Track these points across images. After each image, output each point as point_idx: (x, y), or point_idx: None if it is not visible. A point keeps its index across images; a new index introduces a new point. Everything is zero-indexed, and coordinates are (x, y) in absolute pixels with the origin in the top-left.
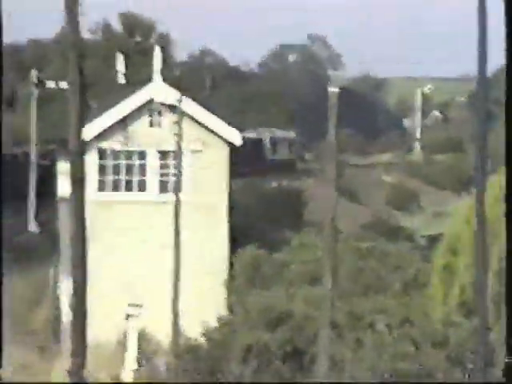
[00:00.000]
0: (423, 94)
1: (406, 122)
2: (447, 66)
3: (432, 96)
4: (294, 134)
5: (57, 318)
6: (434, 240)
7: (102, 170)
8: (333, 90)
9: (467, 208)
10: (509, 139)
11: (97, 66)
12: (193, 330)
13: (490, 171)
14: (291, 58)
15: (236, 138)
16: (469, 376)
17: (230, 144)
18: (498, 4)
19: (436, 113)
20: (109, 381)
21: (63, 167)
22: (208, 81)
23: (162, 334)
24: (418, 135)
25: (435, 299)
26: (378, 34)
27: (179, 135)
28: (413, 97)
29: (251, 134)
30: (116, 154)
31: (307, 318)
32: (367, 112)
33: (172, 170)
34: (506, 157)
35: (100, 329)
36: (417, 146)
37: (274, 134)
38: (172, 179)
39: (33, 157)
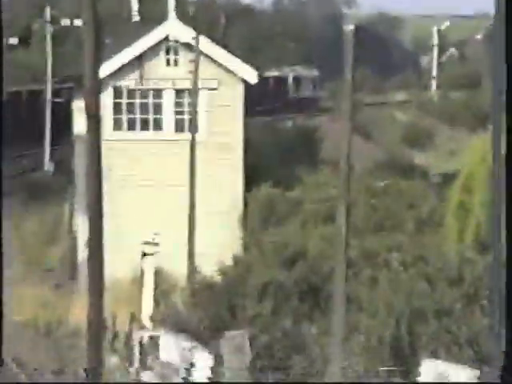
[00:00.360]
0: (439, 32)
1: (423, 60)
2: (464, 2)
3: (449, 33)
4: (317, 72)
5: (73, 255)
6: (449, 178)
7: (117, 108)
8: (348, 27)
9: (483, 145)
10: (509, 138)
11: (111, 4)
12: (208, 269)
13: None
14: None
15: (251, 76)
16: (485, 314)
17: (246, 82)
18: None
19: (453, 50)
20: (128, 317)
21: (79, 105)
22: (222, 19)
23: (178, 272)
24: (434, 73)
25: (450, 237)
26: None
27: (195, 73)
28: (429, 35)
29: (275, 73)
30: (131, 93)
31: (322, 256)
32: (383, 50)
33: (187, 109)
34: (506, 156)
35: (116, 266)
36: (433, 83)
37: (297, 72)
38: (187, 118)
39: (48, 94)
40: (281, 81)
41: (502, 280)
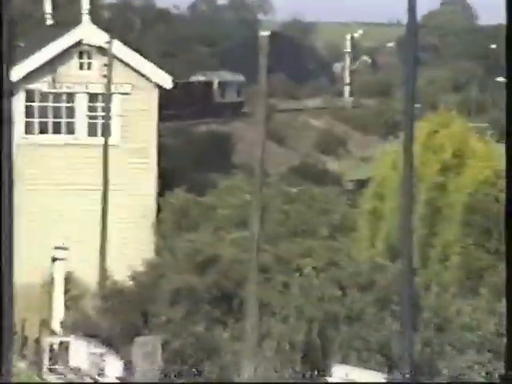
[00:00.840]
0: (352, 39)
1: (336, 67)
2: (377, 11)
3: (361, 41)
4: (243, 77)
5: None
6: (361, 185)
7: (29, 111)
8: (262, 33)
9: (394, 153)
10: (509, 136)
11: (23, 6)
12: (120, 274)
13: (417, 116)
14: (220, 1)
15: (166, 81)
16: (395, 319)
17: (160, 87)
18: None
19: (365, 58)
20: (38, 323)
21: None
22: (137, 23)
23: (90, 277)
24: (347, 80)
25: (362, 243)
26: None
27: (108, 78)
28: (342, 42)
29: (200, 77)
30: (44, 96)
31: (235, 262)
32: (297, 56)
33: (101, 113)
34: (507, 156)
35: (27, 271)
36: (346, 90)
37: (222, 77)
38: (101, 122)
39: None
40: (207, 85)
41: (411, 285)
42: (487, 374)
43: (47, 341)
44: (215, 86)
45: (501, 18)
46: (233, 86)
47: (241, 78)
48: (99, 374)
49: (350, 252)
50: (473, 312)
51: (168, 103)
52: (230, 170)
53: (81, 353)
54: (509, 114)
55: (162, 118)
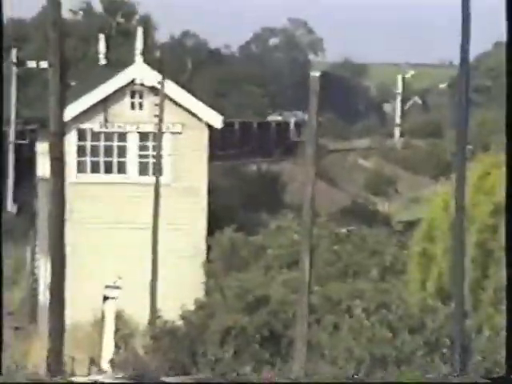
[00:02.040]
0: (404, 80)
1: (386, 108)
2: (429, 51)
3: (413, 82)
4: (302, 115)
5: (33, 297)
6: (411, 226)
7: (81, 151)
8: (314, 74)
9: (445, 194)
10: (509, 139)
11: (77, 47)
12: (170, 313)
13: (468, 157)
14: (272, 41)
15: (216, 120)
16: (445, 362)
17: (211, 127)
18: None
19: (416, 99)
20: (87, 362)
21: (43, 147)
22: (189, 63)
23: (140, 316)
24: (397, 121)
25: (412, 285)
26: (360, 18)
27: (160, 117)
28: (393, 83)
29: (276, 117)
30: (96, 135)
31: (284, 302)
32: (347, 97)
33: (152, 152)
34: (507, 156)
35: (77, 310)
36: (396, 131)
37: (298, 116)
38: (152, 161)
39: (11, 136)
40: (284, 125)
41: (462, 329)
42: None
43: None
44: (292, 125)
45: None
46: (291, 125)
47: (301, 116)
48: None
49: (400, 294)
50: None
51: (222, 143)
52: (280, 209)
53: None
54: (509, 114)
55: (214, 157)
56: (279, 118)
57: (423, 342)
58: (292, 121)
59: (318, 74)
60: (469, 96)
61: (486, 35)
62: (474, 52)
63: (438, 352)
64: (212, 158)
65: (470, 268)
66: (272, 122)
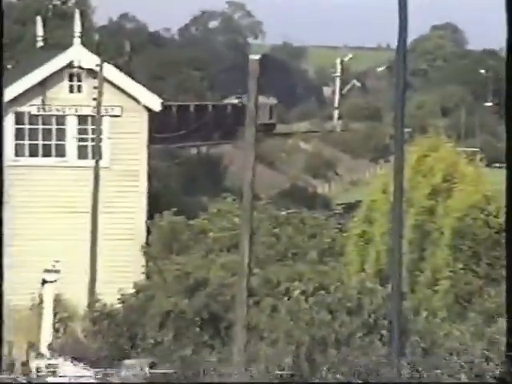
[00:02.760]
0: (342, 63)
1: (326, 91)
2: (367, 35)
3: (351, 65)
4: (275, 100)
5: None
6: (350, 208)
7: (18, 134)
8: (253, 57)
9: (384, 176)
10: (509, 139)
11: (14, 29)
12: (110, 297)
13: (406, 140)
14: (212, 24)
15: (155, 103)
16: (384, 343)
17: (150, 110)
18: None
19: (355, 82)
20: (25, 346)
21: None
22: (127, 46)
23: (79, 300)
24: (336, 104)
25: (350, 267)
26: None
27: (99, 100)
28: (332, 66)
29: (234, 100)
30: (34, 118)
31: (224, 285)
32: (287, 80)
33: (91, 136)
34: (507, 156)
35: (16, 294)
36: (335, 114)
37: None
38: (91, 144)
39: None
40: (240, 108)
41: (400, 310)
42: None
43: (35, 363)
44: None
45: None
46: (265, 108)
47: (273, 100)
48: None
49: (339, 276)
50: (461, 336)
51: (162, 126)
52: (220, 192)
53: (69, 376)
54: (509, 114)
55: (153, 140)
56: (235, 101)
57: (361, 323)
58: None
59: (257, 56)
60: (406, 79)
61: (423, 18)
62: (411, 35)
63: (377, 333)
64: (152, 141)
65: (407, 250)
66: (209, 106)
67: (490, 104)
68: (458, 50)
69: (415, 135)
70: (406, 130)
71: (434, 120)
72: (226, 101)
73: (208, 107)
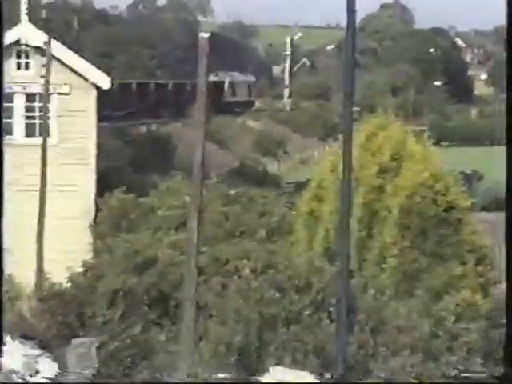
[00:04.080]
0: (292, 42)
1: (275, 70)
2: (316, 14)
3: (301, 44)
4: (254, 78)
5: None
6: (300, 187)
7: None
8: (202, 35)
9: (333, 155)
10: (509, 137)
11: None
12: (58, 276)
13: (355, 119)
14: (160, 2)
15: (104, 81)
16: (332, 321)
17: (98, 88)
18: None
19: (305, 60)
20: None
21: None
22: (75, 23)
23: (26, 278)
24: (286, 82)
25: (299, 245)
26: None
27: (46, 78)
28: (282, 44)
29: (213, 78)
30: None
31: (173, 263)
32: (237, 58)
33: (38, 113)
34: (507, 155)
35: None
36: (285, 93)
37: (233, 77)
38: (38, 122)
39: None
40: (218, 85)
41: (348, 288)
42: (419, 374)
43: None
44: (226, 85)
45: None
46: (244, 85)
47: (251, 78)
48: (32, 376)
49: (287, 254)
50: (408, 314)
51: (111, 104)
52: (170, 171)
53: (15, 355)
54: (509, 113)
55: (103, 118)
56: (215, 79)
57: (310, 301)
58: (227, 81)
59: (206, 34)
60: (355, 58)
61: None
62: (360, 14)
63: (325, 311)
64: (101, 119)
65: (355, 228)
66: (159, 84)
67: (438, 83)
68: (406, 28)
69: (364, 114)
70: (355, 108)
71: (383, 99)
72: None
73: (158, 86)
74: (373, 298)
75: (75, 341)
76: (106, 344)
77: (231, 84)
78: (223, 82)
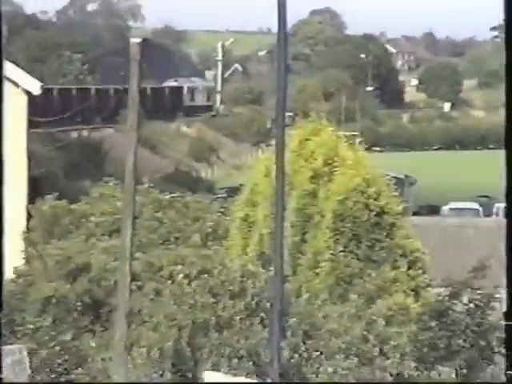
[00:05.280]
0: (224, 47)
1: (208, 75)
2: (247, 19)
3: (233, 49)
4: (213, 82)
5: None
6: (233, 192)
7: None
8: (134, 40)
9: (267, 160)
10: (508, 140)
11: None
12: None
13: (288, 124)
14: (90, 7)
15: (34, 86)
16: (264, 327)
17: (29, 93)
18: None
19: (237, 66)
20: None
21: None
22: (4, 29)
23: None
24: (218, 88)
25: (233, 250)
26: None
27: None
28: (214, 50)
29: (173, 83)
30: None
31: (106, 269)
32: (169, 64)
33: None
34: (506, 157)
35: None
36: (217, 98)
37: (192, 83)
38: None
39: None
40: (177, 90)
41: (282, 292)
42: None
43: None
44: (185, 91)
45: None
46: (202, 90)
47: (211, 83)
48: None
49: (222, 259)
50: (341, 318)
51: (42, 110)
52: (102, 176)
53: None
54: (509, 113)
55: (33, 124)
56: (174, 84)
57: (244, 306)
58: (185, 86)
59: (138, 40)
60: (288, 63)
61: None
62: (291, 20)
63: (258, 316)
64: (32, 125)
65: (289, 233)
66: (91, 89)
67: (370, 89)
68: (338, 34)
69: (297, 119)
70: (288, 114)
71: (316, 104)
72: (165, 84)
73: (90, 91)
74: (306, 303)
75: (6, 348)
76: (36, 351)
77: (190, 89)
78: (182, 88)
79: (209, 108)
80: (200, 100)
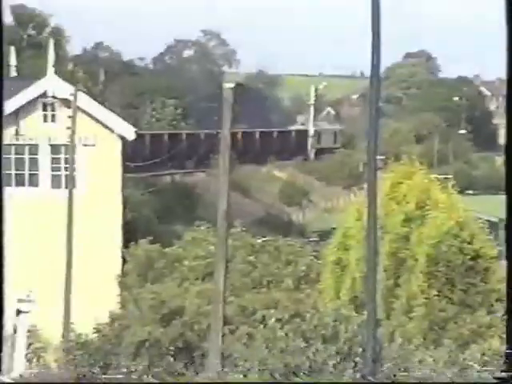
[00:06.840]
0: (317, 91)
1: (300, 119)
2: (341, 63)
3: (326, 93)
4: (340, 126)
5: None
6: (325, 235)
7: None
8: (227, 85)
9: (358, 204)
10: (509, 141)
11: None
12: (84, 327)
13: (380, 167)
14: (186, 53)
15: (129, 132)
16: (356, 371)
17: (123, 138)
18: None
19: (329, 109)
20: None
21: None
22: (101, 75)
23: (53, 330)
24: (311, 132)
25: (326, 294)
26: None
27: (72, 129)
28: (307, 94)
29: (301, 127)
30: (6, 148)
31: (199, 313)
32: (261, 108)
33: (64, 165)
34: (506, 159)
35: None
36: (309, 142)
37: (319, 126)
38: (64, 174)
39: None
40: (303, 133)
41: (375, 337)
42: None
43: None
44: (311, 133)
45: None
46: (330, 133)
47: (337, 126)
48: None
49: (314, 303)
50: (435, 363)
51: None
52: (195, 221)
53: None
54: (509, 121)
55: (128, 169)
56: (301, 127)
57: (336, 351)
58: (311, 129)
59: (231, 85)
60: (380, 107)
61: (397, 46)
62: (384, 63)
63: (350, 361)
64: (126, 169)
65: (382, 277)
66: (183, 134)
67: (463, 131)
68: (431, 77)
69: (389, 162)
70: (380, 157)
71: (408, 147)
72: (292, 127)
73: (181, 136)
74: (399, 348)
75: None
76: None
77: (317, 132)
78: (307, 131)
79: (331, 150)
80: (328, 142)
